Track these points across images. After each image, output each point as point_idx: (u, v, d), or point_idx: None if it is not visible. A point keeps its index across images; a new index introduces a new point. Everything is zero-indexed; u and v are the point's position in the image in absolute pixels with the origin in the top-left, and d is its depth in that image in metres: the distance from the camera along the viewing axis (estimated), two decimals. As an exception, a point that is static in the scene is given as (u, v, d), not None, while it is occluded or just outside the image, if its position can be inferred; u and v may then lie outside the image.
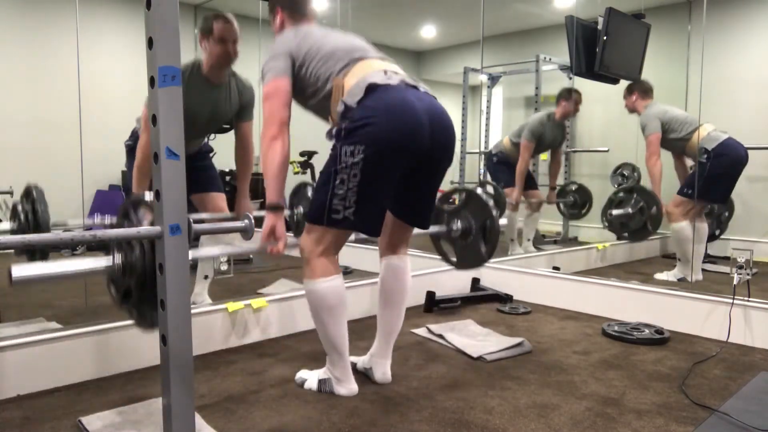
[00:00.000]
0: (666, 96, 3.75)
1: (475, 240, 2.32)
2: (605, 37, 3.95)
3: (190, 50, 4.72)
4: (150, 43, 1.26)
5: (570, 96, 4.18)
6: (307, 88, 1.85)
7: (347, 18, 4.50)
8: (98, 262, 1.39)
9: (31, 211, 2.21)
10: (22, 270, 1.26)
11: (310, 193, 2.86)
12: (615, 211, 3.39)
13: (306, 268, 1.82)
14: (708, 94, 3.52)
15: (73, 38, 3.15)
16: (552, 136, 4.24)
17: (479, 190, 2.38)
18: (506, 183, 4.25)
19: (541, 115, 4.22)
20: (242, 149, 2.76)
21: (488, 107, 5.53)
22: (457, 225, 2.35)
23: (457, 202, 2.39)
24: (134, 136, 2.71)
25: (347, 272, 3.60)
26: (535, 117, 4.23)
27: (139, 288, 1.38)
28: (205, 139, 2.88)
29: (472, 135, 5.46)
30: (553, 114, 4.22)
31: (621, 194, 3.63)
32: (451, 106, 6.15)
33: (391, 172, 1.73)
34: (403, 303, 1.99)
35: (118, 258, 1.40)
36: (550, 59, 4.87)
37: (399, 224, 1.96)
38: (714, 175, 3.47)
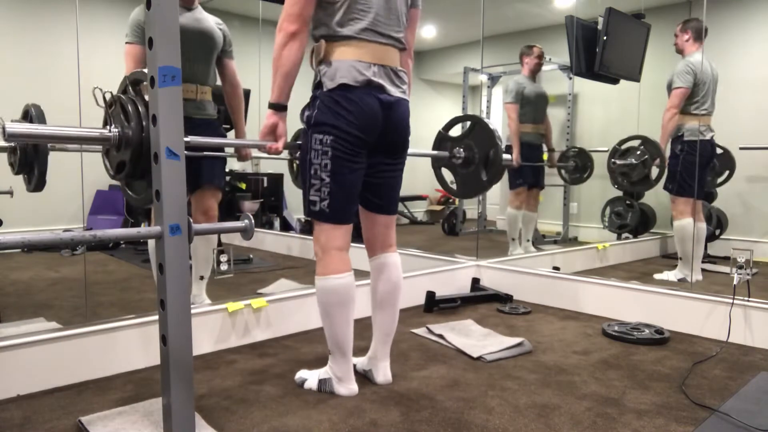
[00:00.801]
0: (666, 96, 3.74)
1: (477, 168, 2.28)
2: (605, 37, 3.95)
3: (190, 50, 4.72)
4: (150, 43, 1.26)
5: (530, 51, 4.21)
6: (323, 9, 1.77)
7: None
8: (94, 132, 1.42)
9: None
10: (17, 126, 1.26)
11: None
12: (619, 161, 3.35)
13: (318, 263, 1.84)
14: (708, 94, 3.52)
15: (73, 38, 3.15)
16: (534, 91, 4.25)
17: (486, 119, 2.31)
18: (510, 184, 4.26)
19: (518, 77, 4.25)
20: (231, 86, 2.80)
21: (488, 107, 5.53)
22: (460, 152, 2.31)
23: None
24: None
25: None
26: (513, 79, 4.27)
27: (133, 162, 1.39)
28: (215, 112, 2.77)
29: (472, 135, 5.46)
30: (522, 75, 4.26)
31: (626, 144, 3.59)
32: (451, 106, 6.16)
33: (356, 157, 1.79)
34: (397, 303, 1.99)
35: (115, 130, 1.41)
36: (550, 59, 4.86)
37: (373, 218, 1.97)
38: (686, 169, 3.47)
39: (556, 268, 3.62)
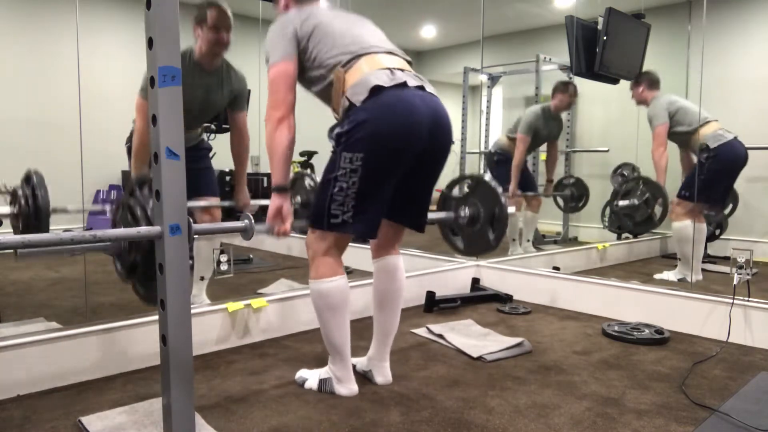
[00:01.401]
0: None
1: (483, 227, 2.31)
2: (605, 37, 3.95)
3: (190, 50, 4.72)
4: (150, 43, 1.26)
5: (566, 88, 4.18)
6: (309, 71, 1.83)
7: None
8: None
9: (30, 195, 2.21)
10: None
11: (307, 182, 2.87)
12: (621, 202, 3.37)
13: (311, 267, 1.83)
14: (708, 94, 3.52)
15: (73, 38, 3.15)
16: (548, 128, 4.23)
17: (487, 177, 2.35)
18: (508, 183, 4.26)
19: (536, 108, 4.21)
20: (238, 139, 2.78)
21: (488, 107, 5.53)
22: (465, 212, 2.33)
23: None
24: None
25: (348, 272, 3.60)
26: (530, 110, 4.22)
27: (144, 265, 1.39)
28: (204, 137, 2.87)
29: (472, 135, 5.46)
30: (549, 107, 4.22)
31: (627, 185, 3.62)
32: (451, 106, 6.15)
33: (388, 176, 1.74)
34: (399, 304, 1.99)
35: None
36: (550, 59, 4.87)
37: (392, 226, 1.96)
38: (712, 177, 3.46)
39: (556, 268, 3.62)
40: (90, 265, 3.84)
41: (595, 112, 5.14)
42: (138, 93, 2.52)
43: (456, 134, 5.54)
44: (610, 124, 5.10)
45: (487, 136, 5.59)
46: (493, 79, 5.49)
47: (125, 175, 4.22)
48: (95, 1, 4.33)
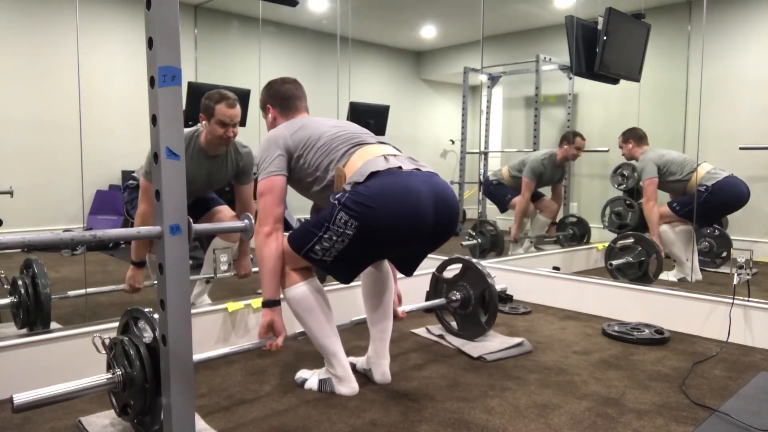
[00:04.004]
0: (666, 96, 3.75)
1: (475, 310, 2.40)
2: (605, 37, 3.95)
3: (190, 50, 4.72)
4: (150, 43, 1.26)
5: (573, 140, 4.20)
6: (306, 178, 1.88)
7: (347, 18, 4.50)
8: (101, 380, 1.46)
9: (30, 284, 2.15)
10: (25, 397, 1.32)
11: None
12: (615, 261, 3.46)
13: (283, 277, 1.87)
14: (708, 94, 3.52)
15: (73, 38, 3.15)
16: (551, 174, 4.28)
17: (474, 261, 2.41)
18: (512, 195, 4.28)
19: (541, 155, 4.24)
20: (242, 209, 2.79)
21: (488, 107, 5.53)
22: (456, 296, 2.43)
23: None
24: (136, 180, 2.72)
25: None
26: (536, 156, 4.25)
27: (139, 402, 1.43)
28: None
29: (472, 135, 5.47)
30: (554, 155, 4.24)
31: (621, 242, 3.68)
32: (451, 106, 6.16)
33: (380, 250, 1.78)
34: (389, 300, 2.01)
35: (119, 372, 1.46)
36: (550, 59, 4.87)
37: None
38: (709, 207, 3.48)
39: (556, 268, 3.62)
40: (90, 265, 3.84)
41: (595, 112, 5.14)
42: (142, 176, 2.51)
43: (456, 134, 5.55)
44: (610, 124, 5.10)
45: (487, 136, 5.59)
46: (493, 79, 5.49)
47: (125, 175, 4.22)
48: (95, 1, 4.32)
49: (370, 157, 1.78)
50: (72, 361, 1.95)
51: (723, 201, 3.48)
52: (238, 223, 1.83)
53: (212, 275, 2.81)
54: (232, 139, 2.50)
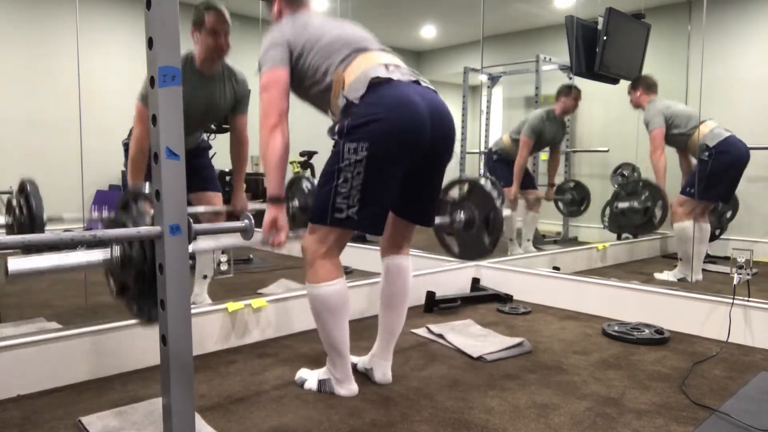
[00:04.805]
0: (666, 96, 3.74)
1: (478, 231, 2.31)
2: (605, 37, 3.95)
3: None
4: (150, 43, 1.26)
5: (570, 92, 4.19)
6: (306, 80, 1.83)
7: (348, 18, 4.50)
8: (96, 255, 1.40)
9: (25, 205, 2.23)
10: (19, 263, 1.26)
11: (305, 185, 2.86)
12: (621, 204, 3.37)
13: (309, 270, 1.80)
14: (708, 94, 3.52)
15: (73, 38, 3.15)
16: (552, 133, 4.24)
17: (482, 181, 2.36)
18: (506, 182, 4.25)
19: (540, 112, 4.22)
20: (237, 143, 2.77)
21: (488, 107, 5.53)
22: (460, 216, 2.34)
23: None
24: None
25: (348, 272, 3.61)
26: (535, 113, 4.23)
27: (137, 282, 1.38)
28: (204, 136, 2.87)
29: (472, 135, 5.47)
30: (553, 111, 4.22)
31: (627, 187, 3.63)
32: (451, 106, 6.15)
33: (395, 168, 1.71)
34: (405, 304, 1.98)
35: (117, 251, 1.40)
36: (550, 59, 4.87)
37: (401, 222, 1.94)
38: (715, 173, 3.46)
39: (556, 268, 3.62)
40: (90, 265, 3.84)
41: (595, 112, 5.14)
42: (137, 98, 2.50)
43: (456, 134, 5.55)
44: (610, 124, 5.10)
45: (487, 136, 5.59)
46: (493, 79, 5.49)
47: (125, 175, 4.22)
48: (95, 1, 4.32)
49: (370, 64, 1.74)
50: (72, 361, 1.95)
51: (726, 163, 3.45)
52: (238, 223, 1.83)
53: (209, 274, 2.81)
54: (225, 51, 2.47)
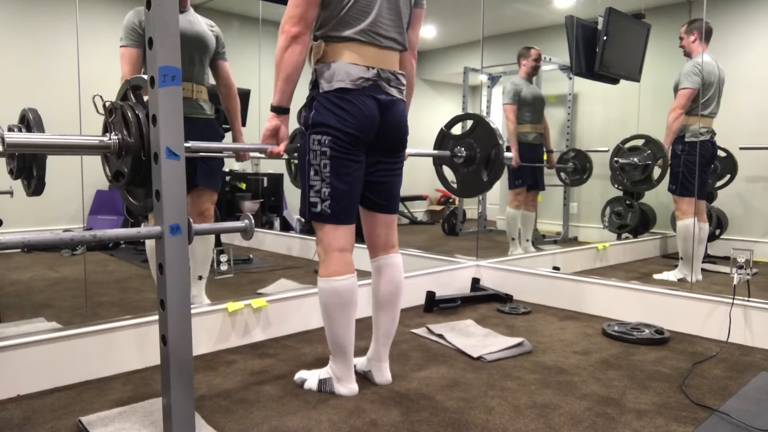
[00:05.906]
0: (666, 96, 3.74)
1: (478, 168, 2.30)
2: (605, 37, 3.95)
3: (190, 50, 4.72)
4: (150, 43, 1.26)
5: (528, 53, 4.22)
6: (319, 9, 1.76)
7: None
8: (93, 140, 1.41)
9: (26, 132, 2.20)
10: (16, 136, 1.27)
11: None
12: (621, 160, 3.34)
13: (322, 263, 1.84)
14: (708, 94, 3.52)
15: (73, 37, 3.15)
16: (531, 93, 4.27)
17: (488, 119, 2.33)
18: (510, 184, 4.26)
19: (513, 78, 4.27)
20: (226, 90, 2.80)
21: (488, 107, 5.53)
22: (461, 151, 2.32)
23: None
24: None
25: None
26: (508, 81, 4.29)
27: (133, 170, 1.38)
28: (212, 111, 2.78)
29: (472, 135, 5.46)
30: (519, 77, 4.28)
31: (629, 142, 3.59)
32: (452, 106, 6.16)
33: (354, 156, 1.78)
34: (398, 305, 1.98)
35: (115, 137, 1.40)
36: (550, 59, 4.87)
37: (374, 218, 1.96)
38: (686, 169, 3.46)
39: (556, 268, 3.62)
40: (90, 265, 3.85)
41: (595, 112, 5.14)
42: (120, 46, 2.50)
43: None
44: (610, 124, 5.10)
45: (487, 136, 5.59)
46: (493, 79, 5.49)
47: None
48: (95, 0, 4.32)
49: (361, 62, 1.74)
50: (72, 361, 1.95)
51: (693, 162, 3.47)
52: (238, 223, 1.83)
53: (204, 275, 2.79)
54: None
